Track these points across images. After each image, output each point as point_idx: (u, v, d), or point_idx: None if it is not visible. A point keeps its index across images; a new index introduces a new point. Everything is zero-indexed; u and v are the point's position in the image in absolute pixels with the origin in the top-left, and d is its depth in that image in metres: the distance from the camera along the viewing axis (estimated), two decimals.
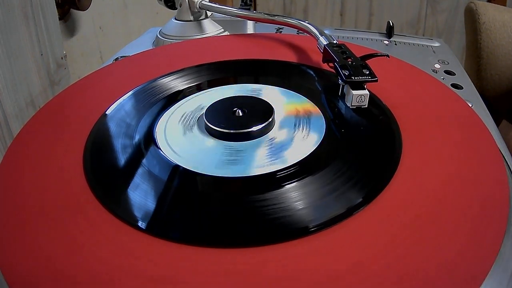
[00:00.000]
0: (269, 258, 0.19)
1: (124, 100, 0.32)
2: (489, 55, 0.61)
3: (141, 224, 0.21)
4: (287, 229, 0.21)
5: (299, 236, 0.20)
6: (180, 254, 0.20)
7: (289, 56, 0.38)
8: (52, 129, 0.30)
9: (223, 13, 0.45)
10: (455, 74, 0.42)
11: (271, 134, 0.27)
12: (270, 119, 0.28)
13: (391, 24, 0.51)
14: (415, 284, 0.18)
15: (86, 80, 0.36)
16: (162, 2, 0.49)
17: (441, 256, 0.19)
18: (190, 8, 0.46)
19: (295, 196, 0.22)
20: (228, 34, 0.48)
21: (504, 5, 1.05)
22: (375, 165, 0.25)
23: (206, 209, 0.23)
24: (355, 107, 0.29)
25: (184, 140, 0.27)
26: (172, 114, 0.30)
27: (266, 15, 0.42)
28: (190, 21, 0.47)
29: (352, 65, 0.29)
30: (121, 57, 0.44)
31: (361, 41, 0.50)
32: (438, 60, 0.45)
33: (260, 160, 0.25)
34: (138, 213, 0.22)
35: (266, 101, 0.29)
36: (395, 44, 0.50)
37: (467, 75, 0.43)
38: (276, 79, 0.34)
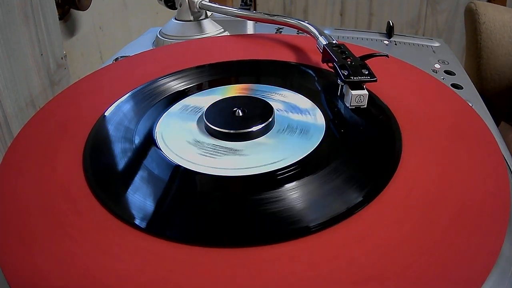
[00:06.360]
0: (269, 258, 0.19)
1: (124, 100, 0.32)
2: (489, 55, 0.61)
3: (142, 224, 0.21)
4: (287, 229, 0.21)
5: (299, 235, 0.20)
6: (182, 254, 0.20)
7: (289, 56, 0.38)
8: (52, 129, 0.30)
9: (223, 13, 0.45)
10: (455, 74, 0.42)
11: (271, 133, 0.27)
12: (270, 119, 0.28)
13: (391, 24, 0.51)
14: (415, 284, 0.18)
15: (86, 80, 0.36)
16: (162, 2, 0.49)
17: (441, 256, 0.19)
18: (190, 8, 0.46)
19: (295, 196, 0.22)
20: (228, 34, 0.48)
21: (504, 5, 1.05)
22: (375, 165, 0.25)
23: (206, 209, 0.23)
24: (354, 107, 0.29)
25: (184, 140, 0.27)
26: (172, 114, 0.30)
27: (266, 15, 0.42)
28: (190, 21, 0.47)
29: (351, 65, 0.29)
30: (121, 57, 0.44)
31: (361, 41, 0.50)
32: (438, 60, 0.45)
33: (260, 159, 0.25)
34: (138, 213, 0.22)
35: (266, 101, 0.29)
36: (395, 44, 0.50)
37: (467, 75, 0.43)
38: (276, 79, 0.34)
